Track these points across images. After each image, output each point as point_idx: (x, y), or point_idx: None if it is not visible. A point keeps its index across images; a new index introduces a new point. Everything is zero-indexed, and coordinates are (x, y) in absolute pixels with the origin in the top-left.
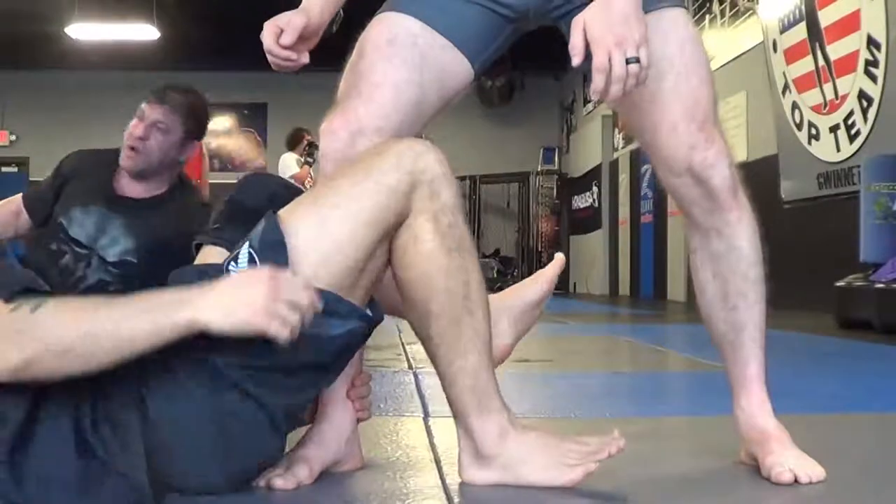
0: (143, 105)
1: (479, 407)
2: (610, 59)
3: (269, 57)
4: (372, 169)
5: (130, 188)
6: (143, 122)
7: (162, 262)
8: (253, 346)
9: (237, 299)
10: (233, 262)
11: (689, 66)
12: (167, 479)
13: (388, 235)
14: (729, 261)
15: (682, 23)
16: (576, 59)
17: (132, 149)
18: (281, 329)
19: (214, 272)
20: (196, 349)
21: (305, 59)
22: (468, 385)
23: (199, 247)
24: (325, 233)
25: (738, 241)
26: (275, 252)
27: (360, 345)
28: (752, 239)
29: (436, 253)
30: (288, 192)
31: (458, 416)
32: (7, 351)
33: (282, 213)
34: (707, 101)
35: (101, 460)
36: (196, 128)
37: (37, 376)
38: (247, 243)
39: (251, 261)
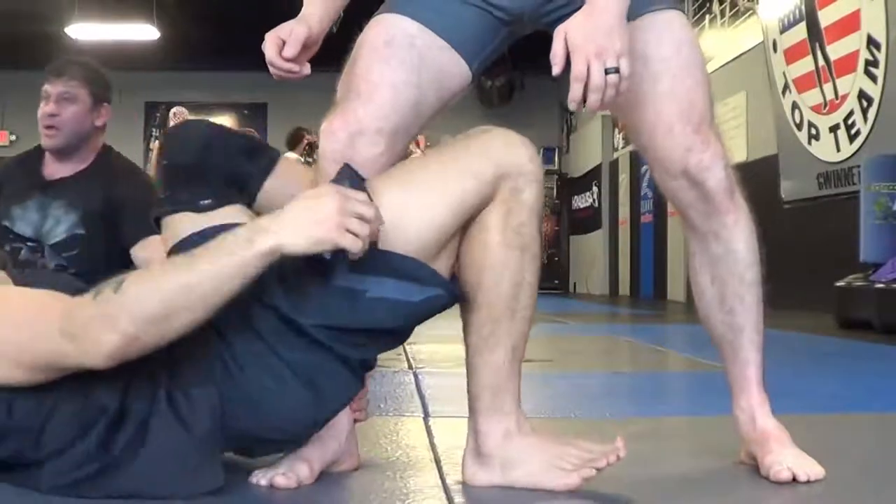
0: (45, 86)
1: (491, 406)
2: (589, 69)
3: (271, 68)
4: (462, 154)
5: (59, 169)
6: (50, 101)
7: (108, 226)
8: (337, 309)
9: (309, 218)
10: None
11: (685, 68)
12: (255, 432)
13: (469, 219)
14: (727, 264)
15: (678, 25)
16: (556, 68)
17: (49, 127)
18: (354, 242)
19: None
20: (282, 312)
21: (307, 69)
22: (487, 382)
23: (157, 221)
24: (410, 206)
25: (736, 243)
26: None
27: (438, 312)
28: (750, 241)
29: (497, 247)
30: (222, 134)
31: (470, 411)
32: (103, 335)
33: (372, 180)
34: (703, 103)
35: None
36: (101, 91)
37: (144, 349)
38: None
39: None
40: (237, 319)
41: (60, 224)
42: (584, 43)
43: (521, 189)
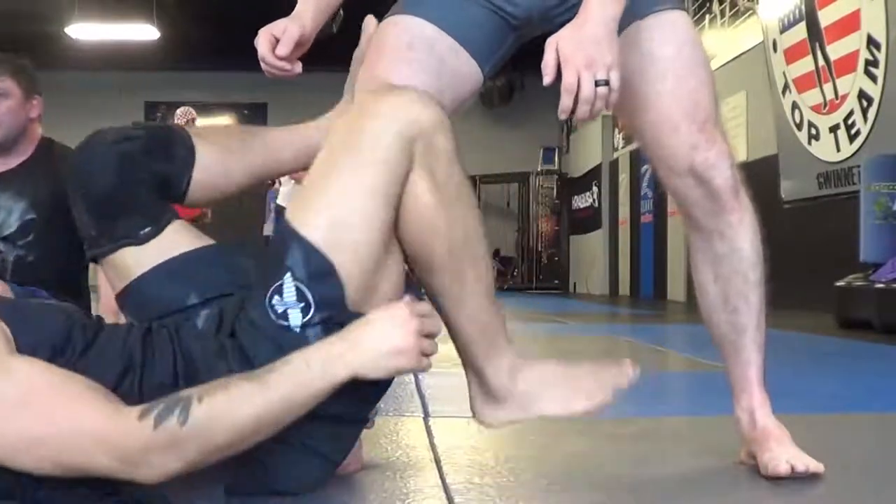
0: None
1: (487, 350)
2: (579, 80)
3: (262, 65)
4: (364, 136)
5: (1, 164)
6: None
7: (58, 211)
8: (358, 390)
9: (389, 347)
10: (276, 296)
11: (689, 68)
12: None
13: (399, 197)
14: (731, 262)
15: (682, 25)
16: (547, 79)
17: None
18: (427, 364)
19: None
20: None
21: (299, 68)
22: (473, 331)
23: (95, 260)
24: (344, 224)
25: (740, 242)
26: (327, 284)
27: None
28: (754, 240)
29: (434, 209)
30: (129, 145)
31: (465, 363)
32: (166, 464)
33: (291, 214)
34: (707, 102)
35: None
36: (30, 83)
37: (204, 467)
38: (288, 275)
39: (300, 296)
40: None
41: (12, 214)
42: (574, 54)
43: (431, 143)
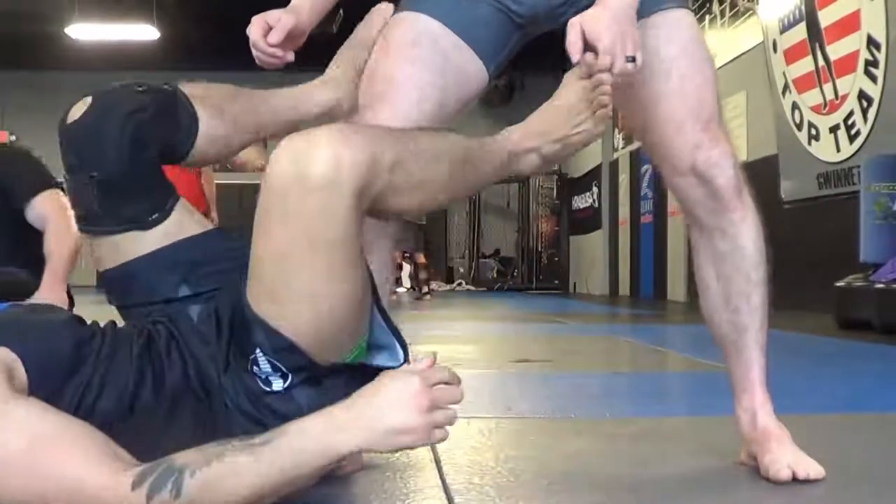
0: None
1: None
2: (609, 58)
3: (253, 51)
4: (293, 213)
5: None
6: None
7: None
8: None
9: (393, 425)
10: (255, 367)
11: (694, 67)
12: None
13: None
14: (733, 261)
15: (686, 24)
16: (575, 56)
17: None
18: (441, 436)
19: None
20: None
21: (290, 57)
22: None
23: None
24: (305, 312)
25: (742, 241)
26: (292, 355)
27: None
28: (757, 240)
29: (414, 205)
30: (139, 119)
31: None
32: None
33: (250, 293)
34: (711, 101)
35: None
36: None
37: None
38: (258, 350)
39: (274, 368)
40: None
41: None
42: (604, 32)
43: (374, 181)
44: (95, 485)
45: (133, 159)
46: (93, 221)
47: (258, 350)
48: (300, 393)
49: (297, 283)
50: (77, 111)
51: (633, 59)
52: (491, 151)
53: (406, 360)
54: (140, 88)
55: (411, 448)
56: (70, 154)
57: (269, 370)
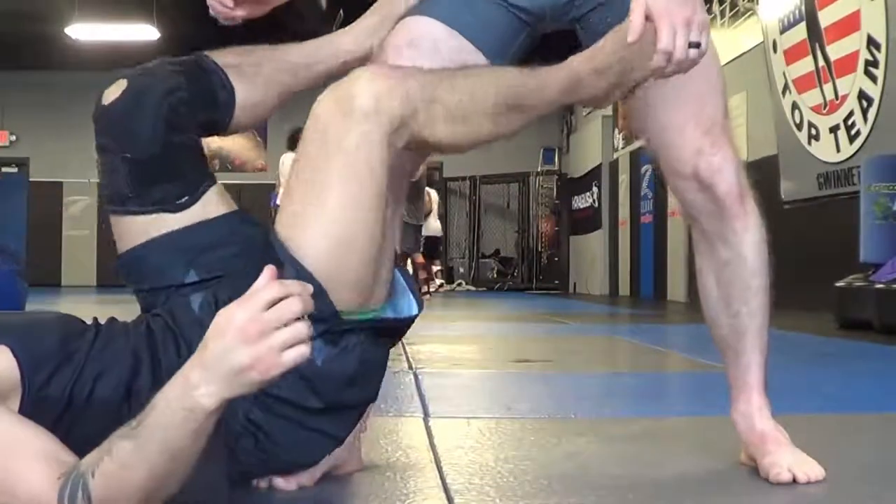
0: None
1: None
2: (675, 40)
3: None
4: (342, 148)
5: None
6: None
7: None
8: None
9: (233, 367)
10: None
11: (699, 71)
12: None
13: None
14: (734, 268)
15: None
16: (632, 37)
17: None
18: (296, 355)
19: None
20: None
21: (240, 13)
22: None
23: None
24: (336, 247)
25: (744, 249)
26: (319, 300)
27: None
28: (758, 248)
29: (458, 133)
30: (167, 98)
31: None
32: None
33: (282, 230)
34: (715, 106)
35: None
36: None
37: None
38: None
39: None
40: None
41: None
42: (671, 12)
43: (407, 120)
44: (29, 493)
45: (167, 142)
46: (120, 202)
47: None
48: (318, 348)
49: (326, 205)
50: (112, 94)
51: (698, 45)
52: (549, 84)
53: (418, 311)
54: (174, 67)
55: (269, 381)
56: (104, 136)
57: None
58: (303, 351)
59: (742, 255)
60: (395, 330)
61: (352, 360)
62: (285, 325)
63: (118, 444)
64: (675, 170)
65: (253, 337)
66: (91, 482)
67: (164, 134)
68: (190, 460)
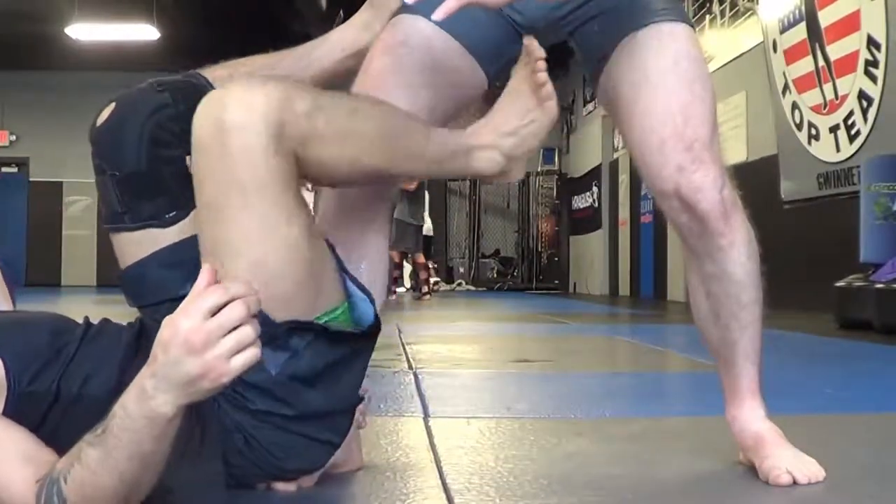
0: None
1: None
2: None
3: None
4: (233, 161)
5: None
6: None
7: None
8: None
9: (183, 378)
10: None
11: (683, 83)
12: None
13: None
14: (721, 284)
15: (683, 38)
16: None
17: None
18: (244, 361)
19: None
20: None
21: None
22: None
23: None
24: (253, 268)
25: (730, 265)
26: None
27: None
28: (746, 263)
29: (344, 146)
30: (154, 117)
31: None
32: None
33: (204, 255)
34: (700, 120)
35: None
36: None
37: None
38: None
39: None
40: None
41: None
42: None
43: (290, 122)
44: (10, 496)
45: (152, 158)
46: (114, 220)
47: None
48: (267, 357)
49: (232, 233)
50: (103, 115)
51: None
52: (442, 141)
53: (377, 323)
54: (163, 86)
55: (218, 389)
56: (97, 156)
57: None
58: (252, 354)
59: (727, 271)
60: (348, 331)
61: (303, 363)
62: (231, 330)
63: (86, 452)
64: (657, 187)
65: (198, 348)
66: (64, 487)
67: (150, 150)
68: (159, 463)
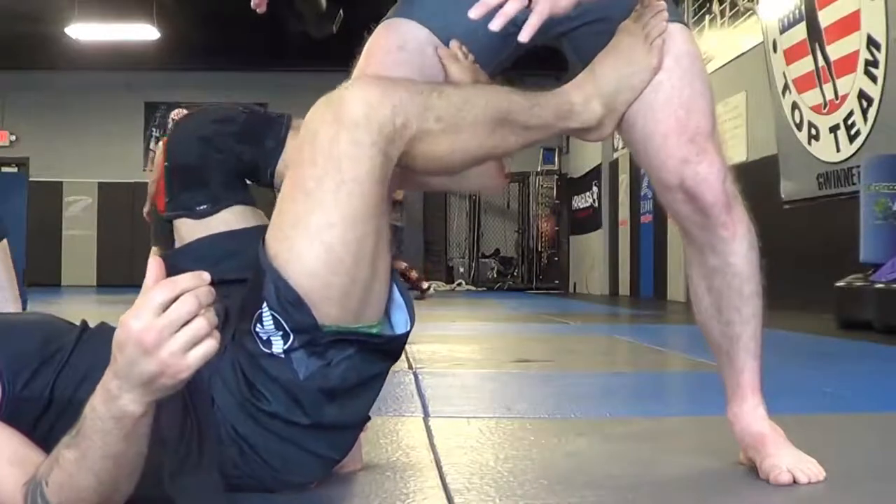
0: None
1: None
2: None
3: None
4: (321, 149)
5: None
6: None
7: None
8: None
9: (142, 378)
10: (259, 324)
11: (684, 79)
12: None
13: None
14: (723, 276)
15: (682, 38)
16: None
17: None
18: (199, 356)
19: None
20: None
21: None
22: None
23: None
24: (319, 259)
25: (733, 257)
26: (297, 310)
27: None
28: (748, 255)
29: (453, 144)
30: (223, 125)
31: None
32: None
33: (268, 241)
34: (701, 114)
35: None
36: None
37: None
38: (265, 304)
39: (277, 325)
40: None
41: None
42: None
43: (400, 129)
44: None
45: (200, 154)
46: (166, 208)
47: (264, 304)
48: (299, 360)
49: (314, 217)
50: (182, 112)
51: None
52: (542, 105)
53: (409, 328)
54: (241, 108)
55: (182, 382)
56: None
57: (272, 327)
58: (209, 346)
59: (730, 263)
60: (387, 348)
61: (335, 375)
62: (183, 325)
63: (63, 454)
64: (661, 180)
65: (151, 347)
66: (47, 490)
67: (198, 147)
68: (134, 462)
